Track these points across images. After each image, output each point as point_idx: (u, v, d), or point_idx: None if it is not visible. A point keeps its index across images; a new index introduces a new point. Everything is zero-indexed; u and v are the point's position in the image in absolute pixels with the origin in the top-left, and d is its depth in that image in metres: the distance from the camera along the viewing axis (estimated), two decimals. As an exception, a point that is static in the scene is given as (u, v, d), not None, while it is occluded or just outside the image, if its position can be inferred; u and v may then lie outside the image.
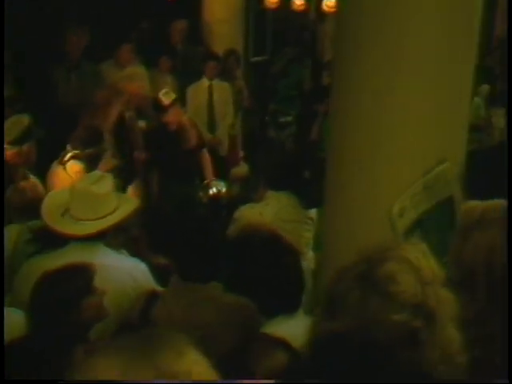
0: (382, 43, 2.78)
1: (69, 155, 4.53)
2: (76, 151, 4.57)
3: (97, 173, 3.58)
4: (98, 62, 6.66)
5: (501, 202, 1.97)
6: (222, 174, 6.27)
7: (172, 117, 5.79)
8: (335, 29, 3.18)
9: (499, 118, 6.15)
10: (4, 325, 2.52)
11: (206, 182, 5.22)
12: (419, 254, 1.45)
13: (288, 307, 2.60)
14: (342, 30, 3.00)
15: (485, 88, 8.08)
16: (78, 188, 3.13)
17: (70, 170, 4.51)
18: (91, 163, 4.60)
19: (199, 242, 2.77)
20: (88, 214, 3.03)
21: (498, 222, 1.86)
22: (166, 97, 5.77)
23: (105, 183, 3.14)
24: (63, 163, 4.52)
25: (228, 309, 2.62)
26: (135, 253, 3.32)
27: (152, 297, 2.83)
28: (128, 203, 3.25)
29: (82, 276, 2.45)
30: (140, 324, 2.71)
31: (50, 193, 3.67)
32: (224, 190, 4.62)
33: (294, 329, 2.24)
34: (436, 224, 2.81)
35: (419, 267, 1.41)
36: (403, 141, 2.80)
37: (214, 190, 4.67)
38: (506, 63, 8.91)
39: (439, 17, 2.75)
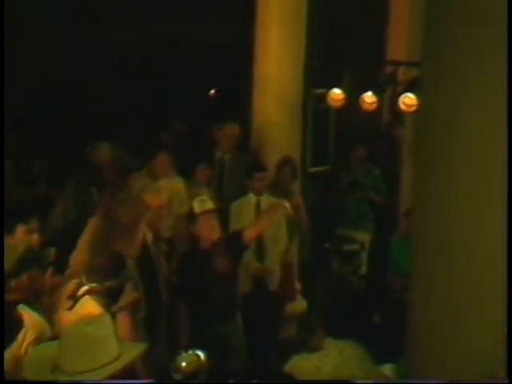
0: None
1: (84, 289, 4.65)
2: (93, 284, 4.70)
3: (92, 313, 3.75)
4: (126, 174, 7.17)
5: None
6: (273, 311, 6.37)
7: (204, 229, 6.01)
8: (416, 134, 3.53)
9: None
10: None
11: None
12: None
13: None
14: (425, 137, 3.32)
15: None
16: (70, 332, 3.28)
17: (80, 309, 4.58)
18: (109, 298, 4.77)
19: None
20: (84, 365, 3.18)
21: None
22: (200, 204, 6.07)
23: (103, 324, 3.32)
24: (75, 299, 4.61)
25: None
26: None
27: None
28: (132, 349, 3.41)
29: None
30: None
31: (34, 347, 3.84)
32: (202, 358, 4.46)
33: None
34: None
35: None
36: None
37: (184, 364, 4.51)
38: None
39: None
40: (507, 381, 1.69)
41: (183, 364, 4.08)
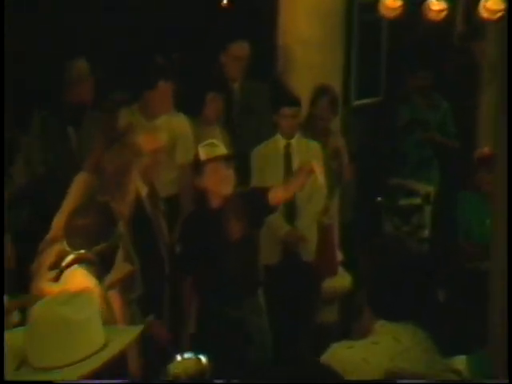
0: None
1: (69, 258, 4.67)
2: (80, 251, 4.71)
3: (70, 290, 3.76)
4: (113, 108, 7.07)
5: None
6: (307, 287, 6.35)
7: (212, 182, 6.00)
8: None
9: None
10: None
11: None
12: None
13: None
14: None
15: None
16: (41, 316, 3.26)
17: (68, 280, 4.60)
18: (102, 267, 4.78)
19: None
20: (60, 358, 3.17)
21: None
22: (207, 150, 6.09)
23: (83, 304, 3.30)
24: (60, 269, 4.64)
25: None
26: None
27: None
28: (123, 334, 3.46)
29: None
30: None
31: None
32: (204, 362, 4.52)
33: None
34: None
35: None
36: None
37: (178, 371, 4.61)
38: None
39: None
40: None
41: (176, 371, 4.12)
